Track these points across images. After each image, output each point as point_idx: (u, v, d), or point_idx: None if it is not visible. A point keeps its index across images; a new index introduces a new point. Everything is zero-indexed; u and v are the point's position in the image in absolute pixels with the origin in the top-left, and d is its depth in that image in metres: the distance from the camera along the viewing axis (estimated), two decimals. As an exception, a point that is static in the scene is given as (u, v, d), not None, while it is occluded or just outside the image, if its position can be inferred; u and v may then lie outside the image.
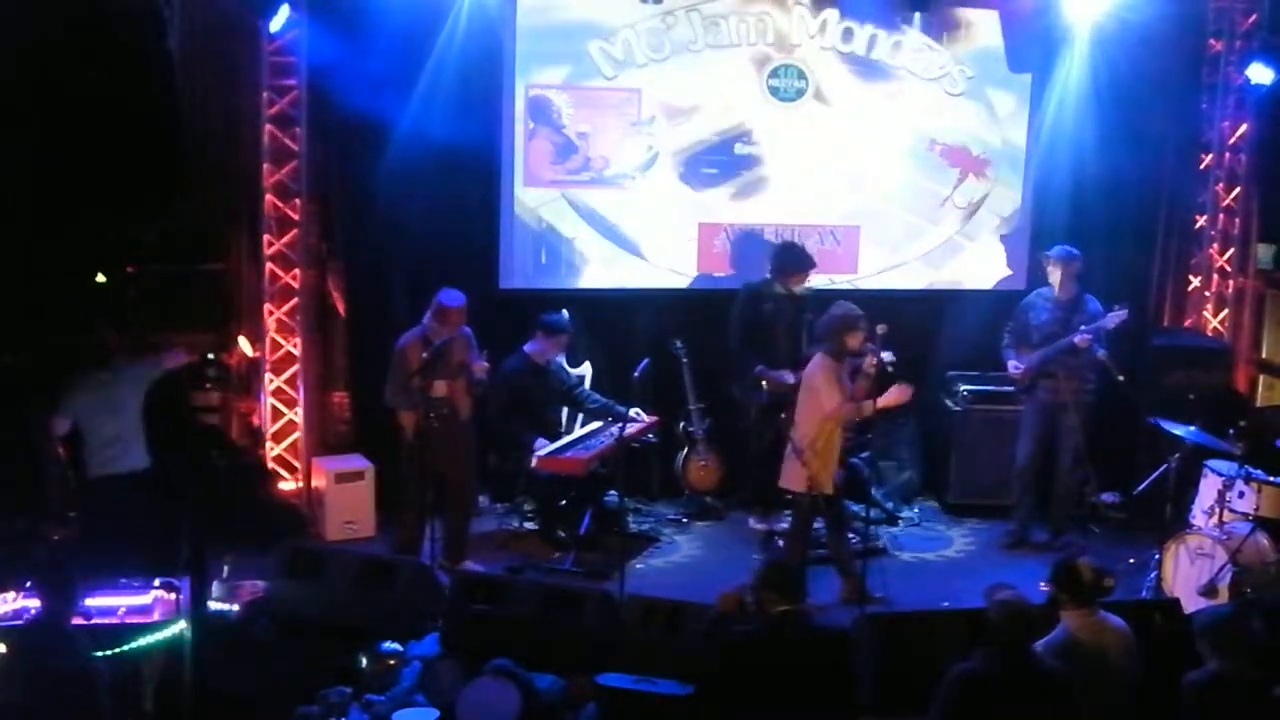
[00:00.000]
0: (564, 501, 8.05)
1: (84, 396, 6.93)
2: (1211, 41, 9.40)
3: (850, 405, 7.14)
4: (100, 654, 5.42)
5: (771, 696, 4.95)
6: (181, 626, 5.76)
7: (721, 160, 9.01)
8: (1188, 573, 7.12)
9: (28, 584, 6.10)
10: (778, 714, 4.97)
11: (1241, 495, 7.23)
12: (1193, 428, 7.44)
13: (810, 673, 5.06)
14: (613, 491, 8.01)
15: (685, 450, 8.80)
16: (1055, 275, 8.18)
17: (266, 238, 8.28)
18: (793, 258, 8.34)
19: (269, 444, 8.43)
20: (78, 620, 5.52)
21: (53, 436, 7.02)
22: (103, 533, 6.86)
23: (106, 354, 7.08)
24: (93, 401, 6.94)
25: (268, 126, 8.17)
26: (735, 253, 9.05)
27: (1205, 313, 9.77)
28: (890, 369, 7.16)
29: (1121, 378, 7.82)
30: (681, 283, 9.07)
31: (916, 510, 9.03)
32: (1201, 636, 4.98)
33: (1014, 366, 8.26)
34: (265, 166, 8.21)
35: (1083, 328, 8.00)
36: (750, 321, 8.23)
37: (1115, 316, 8.00)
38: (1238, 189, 9.62)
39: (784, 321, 8.21)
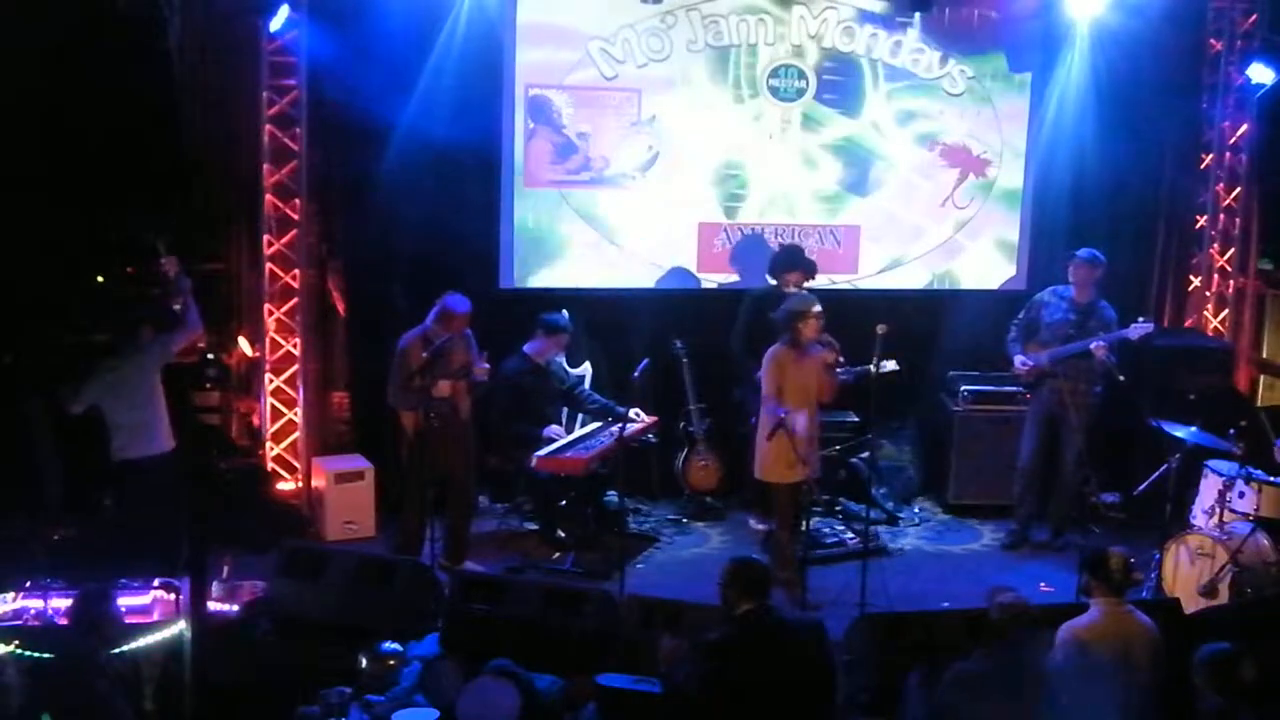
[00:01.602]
0: (564, 501, 8.04)
1: (97, 385, 7.01)
2: (1211, 41, 9.40)
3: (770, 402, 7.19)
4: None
5: (750, 697, 4.92)
6: (181, 626, 5.75)
7: (721, 160, 9.01)
8: (1188, 573, 7.12)
9: (27, 584, 6.12)
10: (759, 714, 4.94)
11: (1242, 495, 7.23)
12: (1193, 428, 7.44)
13: (785, 668, 5.02)
14: (613, 491, 8.01)
15: (685, 450, 8.79)
16: (1078, 276, 8.15)
17: (266, 238, 8.28)
18: (788, 259, 8.36)
19: (269, 444, 8.42)
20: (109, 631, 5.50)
21: (49, 437, 7.05)
22: (126, 517, 6.97)
23: (120, 341, 7.18)
24: (105, 389, 7.01)
25: (268, 126, 8.17)
26: (737, 256, 9.05)
27: (1206, 313, 9.77)
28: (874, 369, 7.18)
29: (1122, 378, 7.82)
30: (682, 283, 9.07)
31: (916, 510, 9.02)
32: (1199, 674, 4.92)
33: (1020, 363, 8.23)
34: (265, 166, 8.20)
35: (1101, 335, 7.96)
36: (754, 328, 8.20)
37: (1139, 329, 7.95)
38: (1238, 189, 9.62)
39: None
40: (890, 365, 7.30)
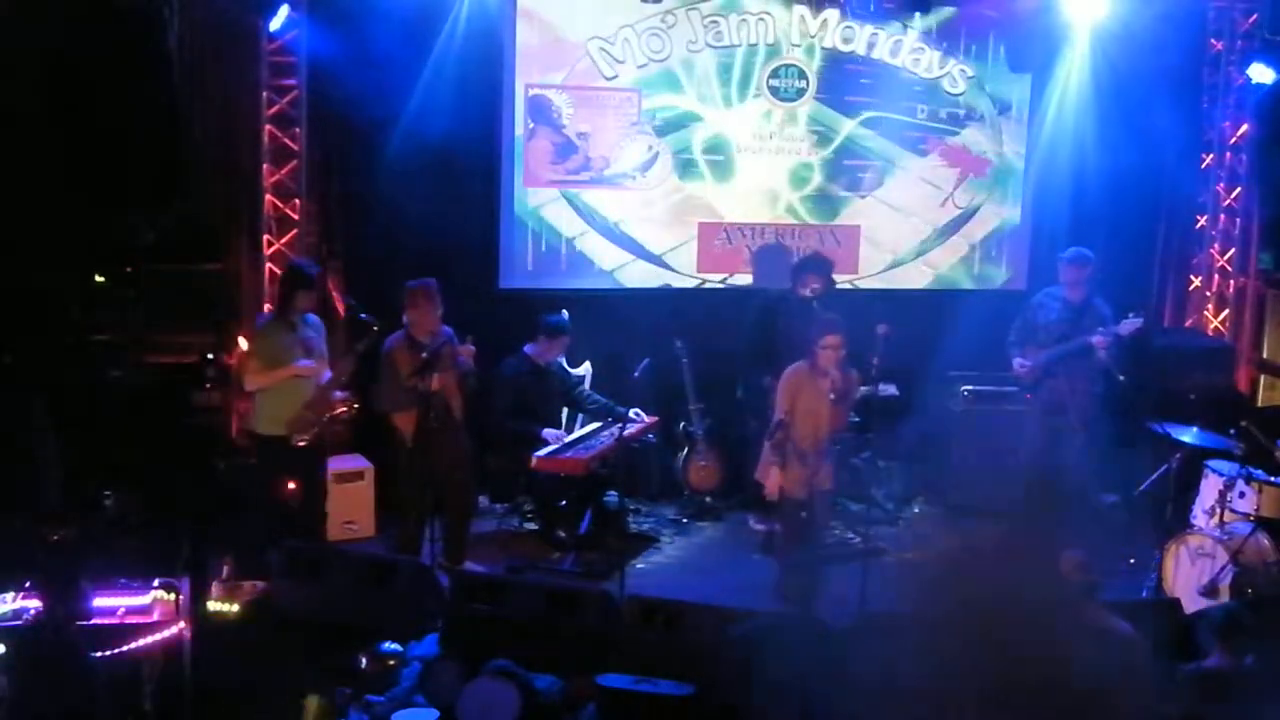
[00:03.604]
0: (564, 501, 8.04)
1: None
2: (1211, 41, 9.41)
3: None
4: (100, 654, 5.42)
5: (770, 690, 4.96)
6: (181, 626, 5.75)
7: (722, 160, 9.02)
8: (1188, 573, 7.11)
9: (27, 584, 6.10)
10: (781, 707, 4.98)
11: (1242, 495, 7.22)
12: (1193, 428, 7.44)
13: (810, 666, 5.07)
14: (613, 491, 8.01)
15: (685, 450, 8.79)
16: (1068, 276, 8.16)
17: (266, 238, 8.28)
18: (804, 265, 8.36)
19: (269, 444, 8.41)
20: (80, 621, 5.51)
21: (49, 436, 7.04)
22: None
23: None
24: None
25: (268, 126, 8.17)
26: (757, 259, 9.05)
27: (1206, 313, 9.77)
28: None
29: (1122, 378, 7.81)
30: (682, 282, 9.07)
31: (916, 510, 9.01)
32: (1208, 629, 5.02)
33: (1019, 364, 8.24)
34: (265, 166, 8.21)
35: (1100, 330, 7.97)
36: (763, 332, 8.18)
37: (1130, 325, 7.95)
38: (1238, 189, 9.63)
39: (797, 331, 8.17)
40: (882, 329, 7.27)
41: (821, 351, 7.07)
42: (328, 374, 7.35)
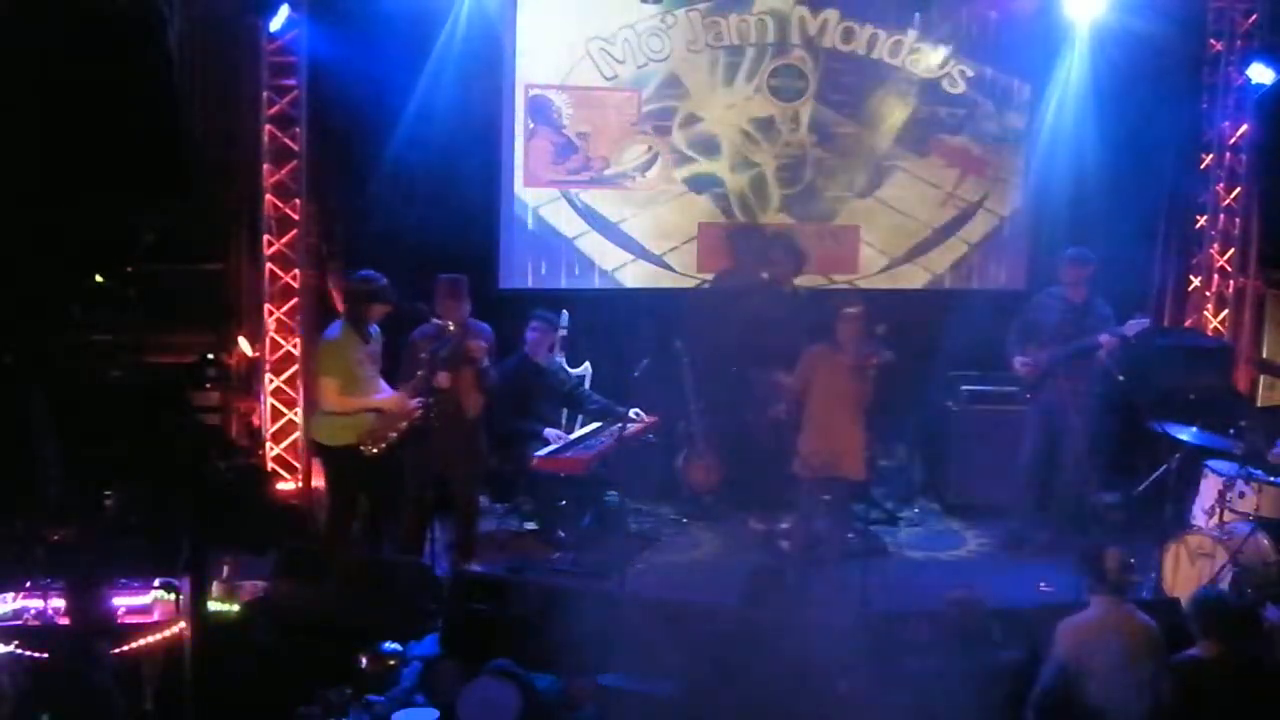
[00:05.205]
0: (564, 501, 8.04)
1: None
2: (1211, 41, 9.41)
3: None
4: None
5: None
6: (181, 626, 5.75)
7: (722, 159, 9.01)
8: (1188, 573, 7.11)
9: (28, 585, 6.12)
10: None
11: (1242, 495, 7.23)
12: (1193, 428, 7.44)
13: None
14: (613, 491, 8.01)
15: (685, 450, 8.79)
16: (1069, 276, 8.16)
17: (266, 238, 8.28)
18: (782, 253, 8.39)
19: (269, 444, 8.42)
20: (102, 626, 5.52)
21: (50, 436, 7.04)
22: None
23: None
24: None
25: (268, 126, 8.18)
26: (735, 249, 9.04)
27: (1206, 313, 9.77)
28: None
29: (1122, 378, 7.82)
30: (682, 283, 9.07)
31: (916, 510, 9.02)
32: (1192, 617, 5.10)
33: (1021, 362, 8.22)
34: (265, 166, 8.21)
35: (1108, 331, 7.97)
36: (747, 322, 8.20)
37: (1136, 325, 7.97)
38: (1238, 189, 9.62)
39: (777, 320, 8.20)
40: (888, 355, 7.31)
41: (841, 326, 7.14)
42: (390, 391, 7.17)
